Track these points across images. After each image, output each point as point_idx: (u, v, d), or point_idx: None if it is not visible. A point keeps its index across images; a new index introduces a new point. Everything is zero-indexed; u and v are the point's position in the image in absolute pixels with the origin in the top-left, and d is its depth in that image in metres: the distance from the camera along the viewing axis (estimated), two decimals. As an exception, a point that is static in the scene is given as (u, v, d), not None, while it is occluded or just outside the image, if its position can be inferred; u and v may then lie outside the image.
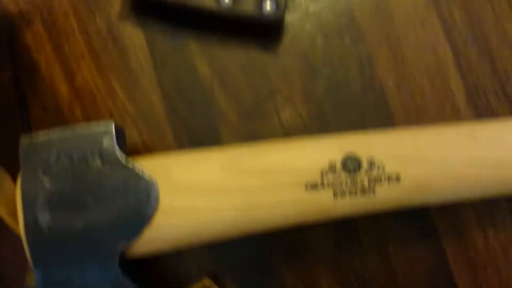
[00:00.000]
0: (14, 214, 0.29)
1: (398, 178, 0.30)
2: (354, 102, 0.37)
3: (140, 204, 0.29)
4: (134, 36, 0.37)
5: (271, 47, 0.37)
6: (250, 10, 0.34)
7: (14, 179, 0.32)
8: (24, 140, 0.29)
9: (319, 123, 0.37)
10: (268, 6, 0.34)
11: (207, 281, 0.34)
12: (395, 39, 0.37)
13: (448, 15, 0.37)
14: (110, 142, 0.29)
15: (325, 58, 0.37)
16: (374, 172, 0.30)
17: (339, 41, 0.37)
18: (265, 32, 0.37)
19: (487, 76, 0.36)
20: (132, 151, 0.36)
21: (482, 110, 0.36)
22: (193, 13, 0.35)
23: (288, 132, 0.36)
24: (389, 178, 0.30)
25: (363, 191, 0.30)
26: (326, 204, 0.30)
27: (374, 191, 0.30)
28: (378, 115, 0.37)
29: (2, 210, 0.31)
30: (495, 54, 0.36)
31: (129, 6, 0.37)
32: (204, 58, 0.37)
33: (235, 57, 0.37)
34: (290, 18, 0.37)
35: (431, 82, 0.36)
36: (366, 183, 0.30)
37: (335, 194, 0.30)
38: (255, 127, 0.37)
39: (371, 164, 0.30)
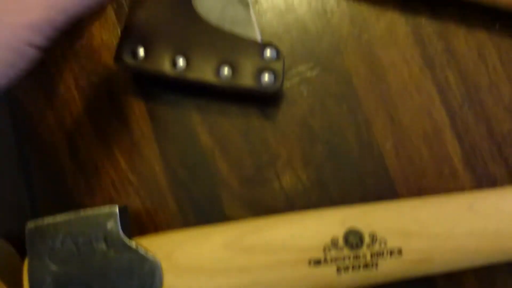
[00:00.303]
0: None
1: (400, 252, 0.30)
2: (353, 166, 0.37)
3: (144, 285, 0.29)
4: (136, 106, 0.37)
5: (270, 113, 0.38)
6: (249, 83, 0.35)
7: (19, 251, 0.32)
8: (30, 226, 0.30)
9: (320, 188, 0.37)
10: (266, 78, 0.35)
11: None
12: (392, 104, 0.37)
13: (443, 80, 0.37)
14: (114, 225, 0.29)
15: (323, 123, 0.37)
16: (376, 247, 0.30)
17: (336, 107, 0.38)
18: (263, 99, 0.38)
19: (484, 139, 0.37)
20: (135, 220, 0.36)
21: (479, 173, 0.37)
22: (194, 85, 0.36)
23: (289, 197, 0.37)
24: (391, 252, 0.30)
25: (366, 265, 0.30)
26: (330, 279, 0.30)
27: (376, 266, 0.30)
28: (377, 178, 0.37)
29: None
30: (491, 117, 0.37)
31: (130, 78, 0.37)
32: (205, 126, 0.37)
33: (235, 124, 0.38)
34: (288, 84, 0.38)
35: (429, 145, 0.37)
36: (368, 257, 0.30)
37: (338, 270, 0.30)
38: (257, 193, 0.37)
39: (373, 238, 0.30)
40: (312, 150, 0.37)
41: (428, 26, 0.38)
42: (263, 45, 0.35)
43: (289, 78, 0.38)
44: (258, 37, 0.35)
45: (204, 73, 0.35)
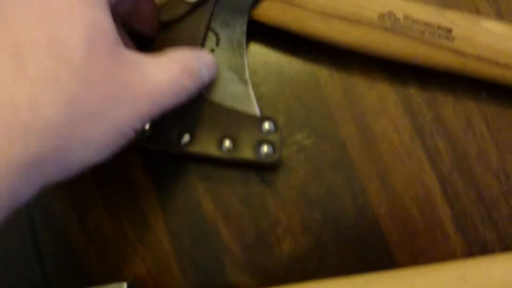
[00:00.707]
0: None
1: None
2: (350, 230, 0.39)
3: None
4: (142, 177, 0.39)
5: (269, 180, 0.40)
6: (249, 155, 0.37)
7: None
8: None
9: (319, 252, 0.39)
10: (265, 149, 0.37)
11: None
12: (385, 170, 0.39)
13: (433, 147, 0.39)
14: (123, 303, 0.31)
15: (320, 189, 0.39)
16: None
17: (332, 173, 0.39)
18: (263, 167, 0.40)
19: (474, 204, 0.39)
20: (141, 286, 0.38)
21: (470, 237, 0.39)
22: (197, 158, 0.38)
23: (289, 262, 0.39)
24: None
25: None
26: None
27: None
28: (373, 242, 0.39)
29: None
30: (479, 183, 0.39)
31: (136, 150, 0.39)
32: (208, 194, 0.39)
33: (236, 192, 0.39)
34: (286, 152, 0.40)
35: (421, 210, 0.39)
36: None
37: None
38: (258, 259, 0.39)
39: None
40: (311, 216, 0.39)
41: (417, 96, 0.40)
42: (262, 119, 0.37)
43: (287, 146, 0.40)
44: (257, 111, 0.38)
45: (207, 147, 0.37)
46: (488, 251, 0.38)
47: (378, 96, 0.40)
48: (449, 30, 0.36)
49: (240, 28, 0.37)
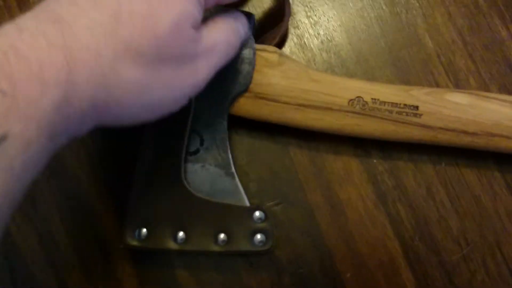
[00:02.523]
0: None
1: None
2: (318, 294, 0.41)
3: None
4: (121, 250, 0.41)
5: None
6: (244, 246, 0.38)
7: None
8: None
9: (288, 316, 0.41)
10: (258, 238, 0.38)
11: None
12: (350, 236, 0.41)
13: (395, 213, 0.42)
14: None
15: (289, 255, 0.41)
16: None
17: (301, 239, 0.42)
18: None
19: (435, 268, 0.41)
20: None
21: (432, 300, 0.40)
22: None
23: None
24: None
25: None
26: None
27: None
28: (340, 305, 0.41)
29: None
30: (440, 248, 0.41)
31: (115, 224, 0.42)
32: (181, 261, 0.41)
33: (209, 258, 0.41)
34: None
35: (385, 274, 0.41)
36: None
37: None
38: (229, 323, 0.41)
39: None
40: (280, 280, 0.41)
41: (379, 165, 0.42)
42: (252, 209, 0.39)
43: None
44: (246, 202, 0.39)
45: (203, 243, 0.38)
46: (449, 315, 0.40)
47: (344, 166, 0.42)
48: (416, 107, 0.38)
49: (221, 126, 0.39)
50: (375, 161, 0.42)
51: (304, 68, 0.40)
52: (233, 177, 0.39)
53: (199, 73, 0.32)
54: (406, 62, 0.43)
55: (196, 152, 0.39)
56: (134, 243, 0.38)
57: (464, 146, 0.39)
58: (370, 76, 0.43)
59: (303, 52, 0.44)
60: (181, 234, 0.38)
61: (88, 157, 0.43)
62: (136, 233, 0.38)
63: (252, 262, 0.41)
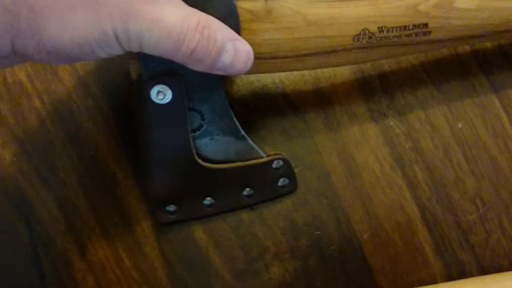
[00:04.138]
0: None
1: None
2: (335, 255, 0.41)
3: None
4: (138, 209, 0.42)
5: (257, 210, 0.42)
6: (270, 194, 0.42)
7: None
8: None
9: (306, 277, 0.41)
10: (281, 182, 0.41)
11: None
12: (367, 199, 0.42)
13: (412, 176, 0.42)
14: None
15: (306, 218, 0.42)
16: None
17: (317, 202, 0.42)
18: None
19: (452, 228, 0.41)
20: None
21: (449, 260, 0.41)
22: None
23: (278, 287, 0.41)
24: None
25: None
26: None
27: None
28: (357, 266, 0.41)
29: None
30: (457, 209, 0.41)
31: (132, 184, 0.42)
32: (200, 224, 0.42)
33: (227, 221, 0.42)
34: (274, 182, 0.42)
35: (402, 235, 0.41)
36: None
37: None
38: (248, 285, 0.41)
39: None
40: (297, 243, 0.42)
41: (396, 127, 0.42)
42: (270, 161, 0.40)
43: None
44: (262, 155, 0.40)
45: (231, 202, 0.41)
46: (465, 273, 0.41)
47: (360, 129, 0.42)
48: (425, 25, 0.36)
49: (218, 97, 0.38)
50: (391, 123, 0.42)
51: (297, 9, 0.34)
52: (245, 139, 0.39)
53: None
54: None
55: (200, 127, 0.38)
56: (168, 220, 0.40)
57: (467, 43, 0.40)
58: None
59: None
60: (208, 199, 0.40)
61: (105, 123, 0.43)
62: (166, 211, 0.40)
63: (270, 224, 0.41)
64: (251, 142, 0.39)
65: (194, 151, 0.38)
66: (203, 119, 0.38)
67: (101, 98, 0.42)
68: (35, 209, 0.42)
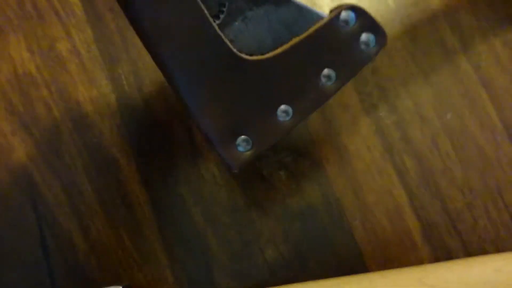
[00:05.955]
0: None
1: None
2: (327, 240, 0.43)
3: None
4: (139, 192, 0.44)
5: (253, 196, 0.44)
6: (356, 67, 0.31)
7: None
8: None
9: (299, 260, 0.43)
10: (365, 39, 0.31)
11: None
12: (357, 186, 0.43)
13: (401, 164, 0.43)
14: (118, 303, 0.34)
15: (300, 203, 0.44)
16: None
17: (311, 188, 0.44)
18: (248, 183, 0.44)
19: (439, 215, 0.43)
20: (139, 292, 0.43)
21: (436, 245, 0.42)
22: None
23: (272, 269, 0.43)
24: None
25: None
26: None
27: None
28: (348, 250, 0.43)
29: None
30: (445, 196, 0.43)
31: (135, 169, 0.44)
32: (198, 208, 0.44)
33: (224, 206, 0.44)
34: (268, 170, 0.44)
35: (391, 221, 0.43)
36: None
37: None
38: (244, 267, 0.43)
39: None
40: (291, 227, 0.43)
41: (386, 118, 0.44)
42: (336, 16, 0.30)
43: (270, 165, 0.44)
44: (321, 14, 0.30)
45: (312, 97, 0.32)
46: (452, 259, 0.42)
47: (352, 119, 0.44)
48: None
49: None
50: (381, 114, 0.44)
51: None
52: (299, 8, 0.30)
53: None
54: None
55: (222, 9, 0.29)
56: (244, 158, 0.31)
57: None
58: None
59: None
60: (282, 108, 0.31)
61: (110, 112, 0.45)
62: (237, 150, 0.31)
63: (266, 211, 0.43)
64: (297, 1, 0.30)
65: (228, 43, 0.28)
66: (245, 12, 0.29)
67: (106, 88, 0.45)
68: (41, 193, 0.44)
